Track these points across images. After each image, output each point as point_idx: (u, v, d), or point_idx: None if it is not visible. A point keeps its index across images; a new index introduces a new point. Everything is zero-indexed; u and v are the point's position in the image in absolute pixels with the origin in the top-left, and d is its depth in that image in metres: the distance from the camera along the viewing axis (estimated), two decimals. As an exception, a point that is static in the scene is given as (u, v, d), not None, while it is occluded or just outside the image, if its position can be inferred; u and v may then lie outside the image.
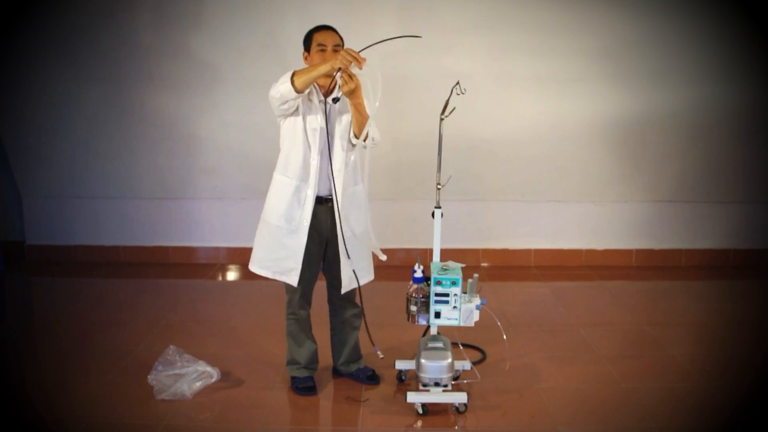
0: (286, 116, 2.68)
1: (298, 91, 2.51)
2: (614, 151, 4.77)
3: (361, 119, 2.61)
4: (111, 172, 4.84)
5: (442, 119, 2.77)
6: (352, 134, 2.69)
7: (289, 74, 2.52)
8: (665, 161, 4.81)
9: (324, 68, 2.49)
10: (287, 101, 2.55)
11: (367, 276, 2.87)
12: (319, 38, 2.68)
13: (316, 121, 2.67)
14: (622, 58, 4.51)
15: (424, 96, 4.36)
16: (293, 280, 2.76)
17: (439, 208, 2.79)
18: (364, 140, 2.62)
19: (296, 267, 2.74)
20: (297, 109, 2.66)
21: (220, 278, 4.74)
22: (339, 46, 2.67)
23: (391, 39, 2.48)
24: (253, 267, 2.86)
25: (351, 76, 2.46)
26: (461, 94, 2.71)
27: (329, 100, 2.68)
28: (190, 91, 4.59)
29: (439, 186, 2.81)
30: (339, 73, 2.45)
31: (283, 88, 2.52)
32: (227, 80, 4.55)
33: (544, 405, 2.79)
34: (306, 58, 2.73)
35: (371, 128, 2.59)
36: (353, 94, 2.52)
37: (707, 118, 4.66)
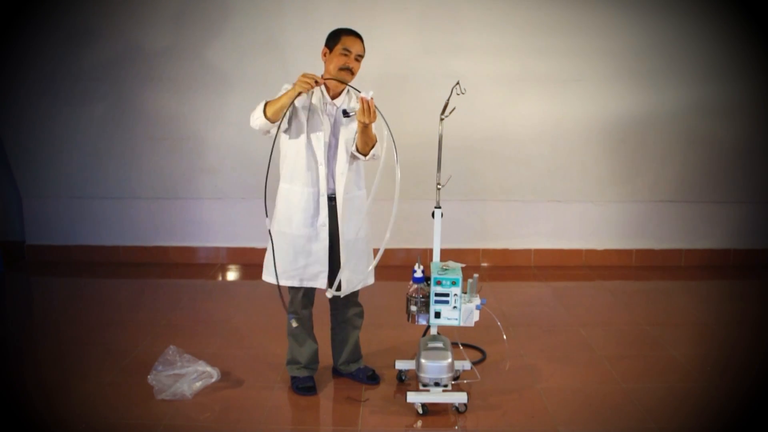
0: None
1: (272, 122, 2.58)
2: (614, 151, 4.77)
3: (368, 140, 2.66)
4: (111, 172, 4.84)
5: (442, 119, 2.77)
6: (354, 147, 2.71)
7: (261, 107, 2.59)
8: (665, 161, 4.81)
9: (288, 97, 2.54)
10: (268, 130, 2.62)
11: (366, 280, 2.87)
12: (347, 42, 2.67)
13: (320, 127, 2.68)
14: (622, 58, 4.51)
15: (424, 96, 4.36)
16: (322, 283, 2.77)
17: (439, 208, 2.79)
18: (365, 155, 2.71)
19: (323, 270, 2.76)
20: (298, 118, 2.67)
21: (220, 278, 4.74)
22: (361, 56, 2.69)
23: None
24: (273, 279, 2.71)
25: (373, 112, 2.51)
26: (461, 94, 2.71)
27: (339, 111, 2.71)
28: (190, 91, 4.60)
29: (439, 186, 2.81)
30: (365, 97, 2.50)
31: (259, 122, 2.60)
32: (228, 80, 4.55)
33: (544, 405, 2.79)
34: (325, 55, 2.72)
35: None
36: (366, 126, 2.58)
37: (707, 118, 4.66)
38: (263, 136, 2.65)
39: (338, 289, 2.75)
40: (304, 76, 2.51)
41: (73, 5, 4.37)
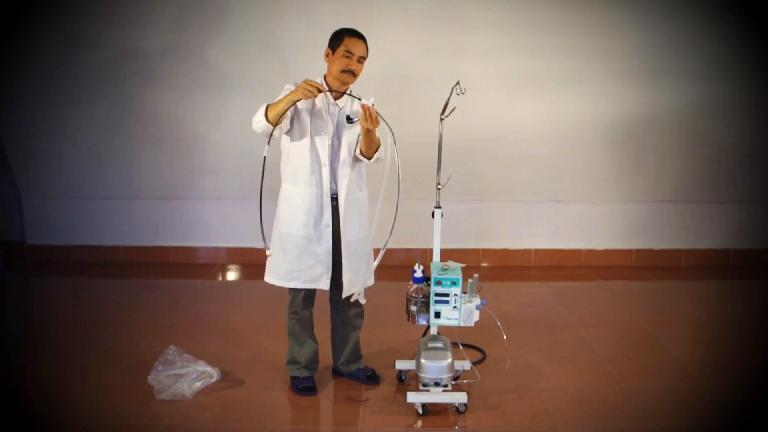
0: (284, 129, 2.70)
1: (274, 125, 2.56)
2: (614, 151, 4.77)
3: (371, 144, 2.66)
4: (111, 172, 4.84)
5: (442, 119, 2.77)
6: (358, 150, 2.71)
7: (263, 110, 2.57)
8: (665, 161, 4.81)
9: (286, 103, 2.53)
10: (268, 134, 2.59)
11: (367, 281, 2.87)
12: (349, 44, 2.65)
13: (324, 128, 2.68)
14: (622, 58, 4.51)
15: (424, 96, 4.36)
16: (325, 284, 2.77)
17: (439, 208, 2.80)
18: (369, 158, 2.72)
19: (326, 271, 2.75)
20: (301, 120, 2.67)
21: (220, 278, 4.74)
22: (363, 58, 2.69)
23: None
24: (277, 281, 2.79)
25: (375, 119, 2.52)
26: (461, 94, 2.71)
27: (342, 116, 2.71)
28: (190, 91, 4.60)
29: (439, 186, 2.81)
30: (367, 104, 2.51)
31: (261, 125, 2.59)
32: (228, 80, 4.55)
33: (544, 405, 2.79)
34: (327, 56, 2.71)
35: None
36: (369, 131, 2.58)
37: (707, 118, 4.66)
38: (265, 138, 2.64)
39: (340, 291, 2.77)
40: (306, 83, 2.50)
41: (72, 6, 4.37)
